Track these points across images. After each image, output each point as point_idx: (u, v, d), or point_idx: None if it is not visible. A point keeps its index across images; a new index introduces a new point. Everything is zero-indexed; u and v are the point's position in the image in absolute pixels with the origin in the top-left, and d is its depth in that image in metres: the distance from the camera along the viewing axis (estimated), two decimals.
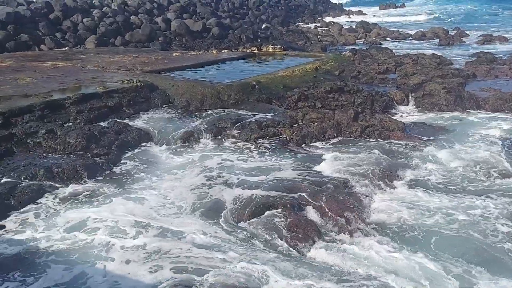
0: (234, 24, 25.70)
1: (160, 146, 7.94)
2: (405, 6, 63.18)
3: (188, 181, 6.48)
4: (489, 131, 8.25)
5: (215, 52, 16.33)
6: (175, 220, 5.45)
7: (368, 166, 6.72)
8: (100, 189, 6.29)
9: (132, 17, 21.83)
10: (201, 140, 8.13)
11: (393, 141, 7.97)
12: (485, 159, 6.94)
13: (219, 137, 8.29)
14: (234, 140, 8.14)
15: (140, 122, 8.72)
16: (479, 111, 9.68)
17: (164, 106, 9.76)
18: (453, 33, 24.97)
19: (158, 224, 5.33)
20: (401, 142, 7.85)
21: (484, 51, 17.19)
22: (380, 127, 8.44)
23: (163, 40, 19.51)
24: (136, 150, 7.75)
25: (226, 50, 17.09)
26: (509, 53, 16.83)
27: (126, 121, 8.66)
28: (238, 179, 6.45)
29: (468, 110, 9.73)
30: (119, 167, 7.06)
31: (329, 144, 7.98)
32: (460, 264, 4.51)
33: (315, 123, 8.63)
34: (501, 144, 7.51)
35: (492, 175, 6.50)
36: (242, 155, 7.43)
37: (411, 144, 7.73)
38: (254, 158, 7.31)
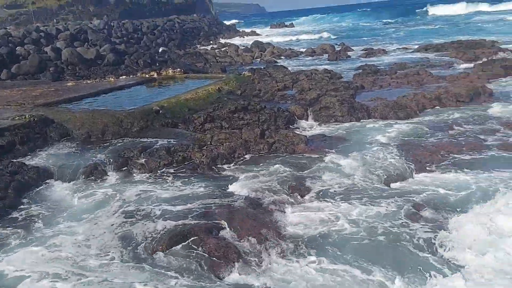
0: (130, 49, 25.03)
1: (63, 183, 7.40)
2: (294, 26, 67.50)
3: (106, 222, 6.08)
4: (381, 137, 9.06)
5: (112, 79, 15.77)
6: (97, 266, 5.07)
7: (278, 182, 6.98)
8: (1, 237, 5.68)
9: (18, 48, 20.24)
10: (108, 173, 7.75)
11: (298, 154, 8.36)
12: (381, 164, 7.60)
13: (126, 168, 7.98)
14: (142, 169, 7.88)
15: (38, 159, 8.08)
16: (370, 120, 10.60)
17: (62, 140, 9.16)
18: (339, 49, 27.13)
19: (78, 271, 4.92)
20: (306, 155, 8.27)
21: (368, 63, 18.95)
22: (285, 142, 8.82)
23: (54, 70, 18.29)
24: (38, 190, 7.17)
25: (124, 77, 16.59)
26: (390, 64, 18.75)
27: (21, 160, 7.96)
28: (153, 211, 6.24)
29: (361, 120, 10.59)
30: (19, 212, 6.45)
31: (240, 164, 8.12)
32: (370, 267, 4.85)
33: (224, 144, 8.74)
34: (393, 148, 8.28)
35: (389, 179, 7.13)
36: (154, 185, 7.21)
37: (315, 156, 8.17)
38: (167, 187, 7.14)
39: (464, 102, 11.42)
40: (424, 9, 70.60)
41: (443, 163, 7.62)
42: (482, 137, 8.77)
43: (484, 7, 62.96)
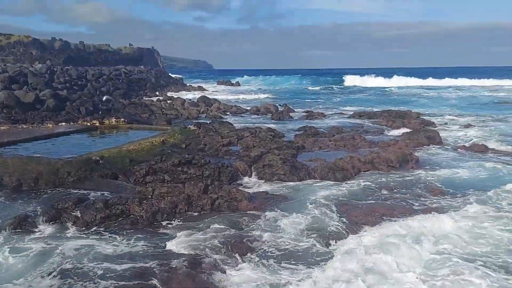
0: (72, 95, 24.43)
1: None
2: (240, 84, 69.80)
3: (42, 284, 5.58)
4: (320, 197, 9.35)
5: (50, 125, 15.25)
6: None
7: (219, 241, 6.90)
8: None
9: None
10: (38, 225, 7.27)
11: (241, 211, 8.39)
12: (321, 224, 7.81)
13: (59, 220, 7.55)
14: (77, 222, 7.49)
15: None
16: (311, 180, 10.96)
17: None
18: (282, 109, 28.27)
19: None
20: (249, 212, 8.33)
21: (308, 125, 19.85)
22: (228, 198, 8.85)
23: None
24: None
25: (64, 123, 16.10)
26: (328, 127, 19.77)
27: None
28: (89, 271, 5.86)
29: (302, 179, 10.91)
30: None
31: (181, 220, 7.98)
32: None
33: (166, 198, 8.58)
34: (332, 209, 8.60)
35: (327, 240, 7.28)
36: (88, 241, 6.84)
37: (258, 214, 8.23)
38: (103, 243, 6.80)
39: (394, 167, 12.22)
40: (343, 78, 75.88)
41: (377, 225, 7.99)
42: (410, 201, 9.35)
43: (405, 81, 69.46)
